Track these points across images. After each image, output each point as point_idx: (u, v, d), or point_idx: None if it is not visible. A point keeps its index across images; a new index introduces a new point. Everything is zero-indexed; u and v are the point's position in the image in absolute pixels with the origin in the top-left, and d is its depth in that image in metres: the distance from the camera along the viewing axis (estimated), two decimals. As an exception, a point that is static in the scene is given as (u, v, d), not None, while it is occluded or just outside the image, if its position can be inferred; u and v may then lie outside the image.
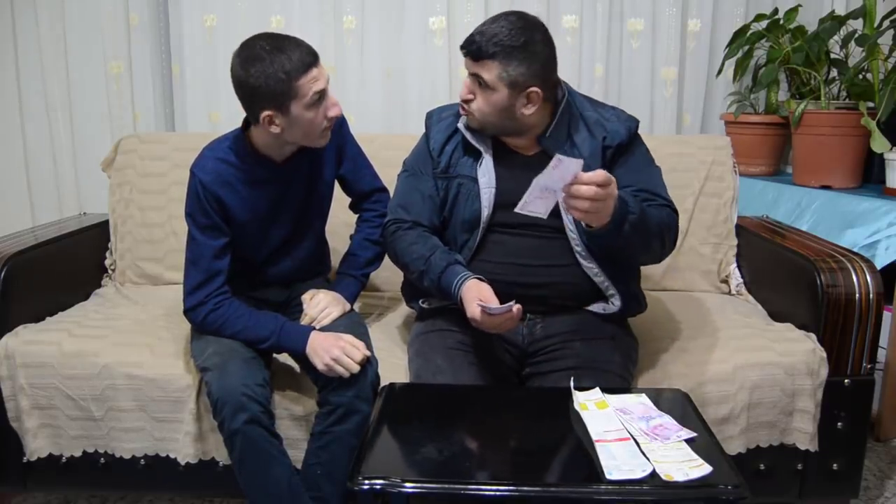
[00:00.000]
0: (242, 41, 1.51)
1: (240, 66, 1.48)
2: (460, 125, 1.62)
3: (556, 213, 1.56)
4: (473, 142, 1.60)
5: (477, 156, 1.61)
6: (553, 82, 1.57)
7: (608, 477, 1.12)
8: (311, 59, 1.48)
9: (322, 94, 1.51)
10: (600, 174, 1.31)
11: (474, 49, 1.48)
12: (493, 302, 1.43)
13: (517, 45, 1.46)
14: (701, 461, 1.15)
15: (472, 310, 1.44)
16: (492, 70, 1.48)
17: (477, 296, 1.45)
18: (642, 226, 1.44)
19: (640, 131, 1.67)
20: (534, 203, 1.33)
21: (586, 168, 1.53)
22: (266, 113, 1.50)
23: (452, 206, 1.63)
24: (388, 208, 1.71)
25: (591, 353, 1.54)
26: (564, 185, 1.30)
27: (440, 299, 1.61)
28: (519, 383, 1.59)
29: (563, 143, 1.58)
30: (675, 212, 1.59)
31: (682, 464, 1.15)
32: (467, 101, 1.54)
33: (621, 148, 1.59)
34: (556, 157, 1.28)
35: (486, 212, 1.58)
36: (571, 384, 1.37)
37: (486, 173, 1.59)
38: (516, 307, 1.41)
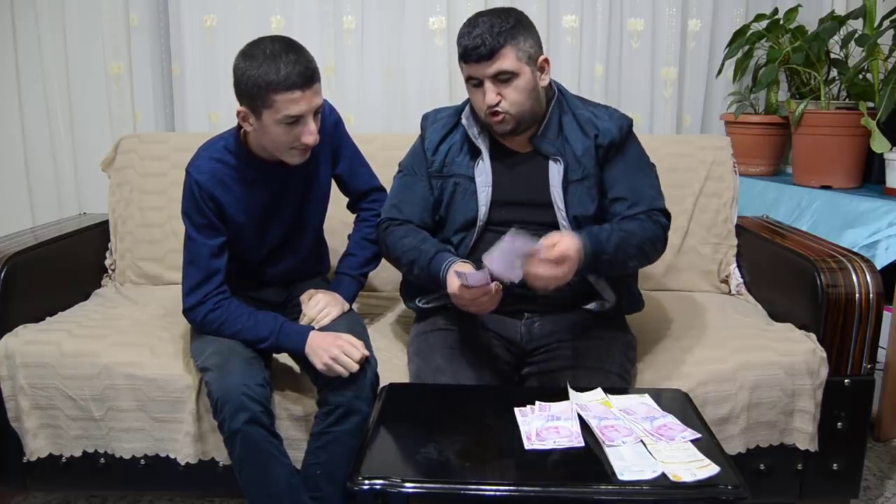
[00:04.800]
0: (257, 38, 1.50)
1: (240, 55, 1.49)
2: (464, 121, 1.62)
3: (549, 208, 1.57)
4: (476, 140, 1.60)
5: (474, 155, 1.61)
6: None
7: (620, 478, 1.12)
8: (300, 81, 1.44)
9: (298, 119, 1.47)
10: (556, 254, 1.35)
11: (485, 49, 1.47)
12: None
13: (514, 24, 1.50)
14: (708, 461, 1.16)
15: (452, 284, 1.45)
16: (509, 56, 1.48)
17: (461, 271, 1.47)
18: (620, 255, 1.48)
19: (640, 131, 1.68)
20: (499, 269, 1.38)
21: (576, 165, 1.56)
22: (241, 108, 1.50)
23: (448, 205, 1.64)
24: (383, 208, 1.72)
25: (588, 353, 1.55)
26: (522, 257, 1.36)
27: (432, 289, 1.61)
28: (518, 382, 1.60)
29: (555, 140, 1.58)
30: (664, 212, 1.59)
31: (688, 464, 1.15)
32: (497, 105, 1.51)
33: (613, 147, 1.59)
34: (509, 232, 1.35)
35: (482, 209, 1.59)
36: (568, 386, 1.38)
37: (483, 172, 1.60)
38: (494, 285, 1.42)
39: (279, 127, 1.48)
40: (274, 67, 1.43)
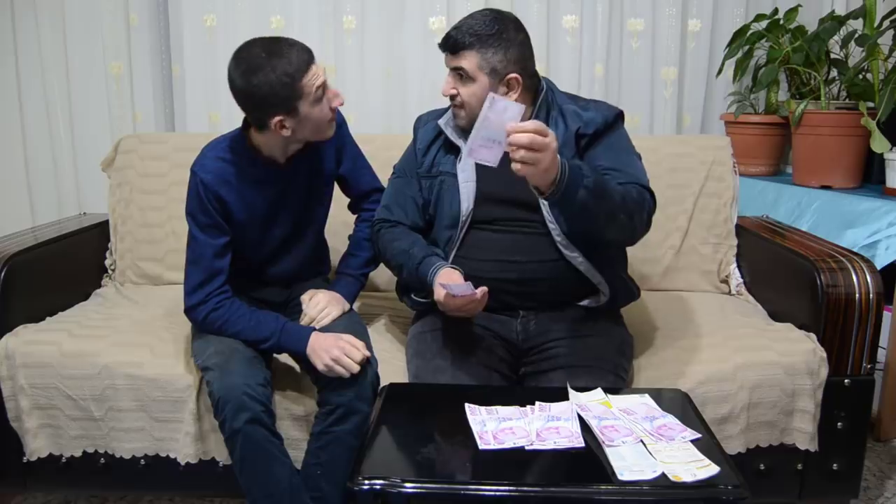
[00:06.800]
0: (235, 49, 1.51)
1: (241, 77, 1.47)
2: (441, 122, 1.66)
3: (535, 207, 1.56)
4: (453, 138, 1.63)
5: (458, 152, 1.63)
6: (531, 72, 1.60)
7: (620, 478, 1.12)
8: (307, 56, 1.50)
9: (324, 88, 1.52)
10: (531, 123, 1.27)
11: (451, 43, 1.54)
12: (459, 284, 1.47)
13: (492, 33, 1.52)
14: (708, 461, 1.15)
15: (437, 292, 1.49)
16: (471, 59, 1.53)
17: (447, 279, 1.50)
18: (600, 193, 1.39)
19: (640, 131, 1.68)
20: (479, 151, 1.32)
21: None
22: (276, 119, 1.50)
23: (437, 203, 1.66)
24: (377, 210, 1.75)
25: (585, 351, 1.55)
26: (506, 131, 1.28)
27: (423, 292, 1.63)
28: (516, 382, 1.60)
29: None
30: (649, 191, 1.55)
31: (689, 464, 1.15)
32: (453, 98, 1.58)
33: (597, 135, 1.59)
34: (489, 96, 1.30)
35: (465, 205, 1.59)
36: (568, 387, 1.38)
37: (465, 168, 1.61)
38: (480, 290, 1.45)
39: (316, 105, 1.52)
40: (284, 61, 1.46)
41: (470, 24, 1.53)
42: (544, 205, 1.55)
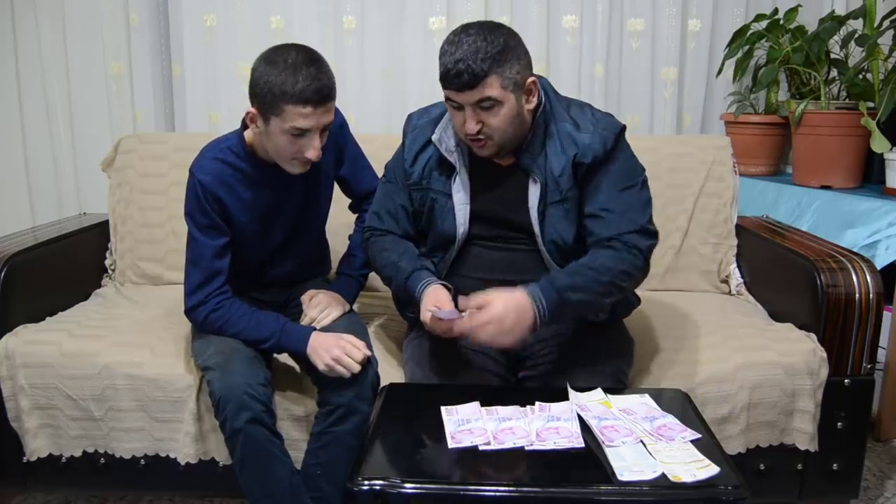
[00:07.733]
0: (281, 44, 1.50)
1: (261, 58, 1.48)
2: (434, 137, 1.55)
3: (529, 230, 1.53)
4: (448, 157, 1.55)
5: (451, 171, 1.56)
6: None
7: (620, 478, 1.12)
8: (314, 98, 1.44)
9: (304, 133, 1.47)
10: (467, 326, 1.32)
11: (467, 78, 1.37)
12: (447, 307, 1.45)
13: (501, 49, 1.38)
14: (708, 462, 1.16)
15: (423, 315, 1.46)
16: (494, 85, 1.38)
17: (434, 300, 1.47)
18: (588, 297, 1.41)
19: (640, 131, 1.66)
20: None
21: (554, 186, 1.50)
22: (251, 110, 1.51)
23: (428, 219, 1.60)
24: (367, 213, 1.71)
25: (583, 355, 1.53)
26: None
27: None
28: (514, 384, 1.59)
29: (538, 155, 1.51)
30: (646, 232, 1.49)
31: (688, 464, 1.15)
32: (477, 133, 1.43)
33: (596, 162, 1.48)
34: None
35: (461, 229, 1.55)
36: (568, 387, 1.37)
37: (460, 189, 1.55)
38: (467, 314, 1.42)
39: (284, 136, 1.48)
40: (292, 79, 1.43)
41: (473, 50, 1.36)
42: (537, 234, 1.52)
